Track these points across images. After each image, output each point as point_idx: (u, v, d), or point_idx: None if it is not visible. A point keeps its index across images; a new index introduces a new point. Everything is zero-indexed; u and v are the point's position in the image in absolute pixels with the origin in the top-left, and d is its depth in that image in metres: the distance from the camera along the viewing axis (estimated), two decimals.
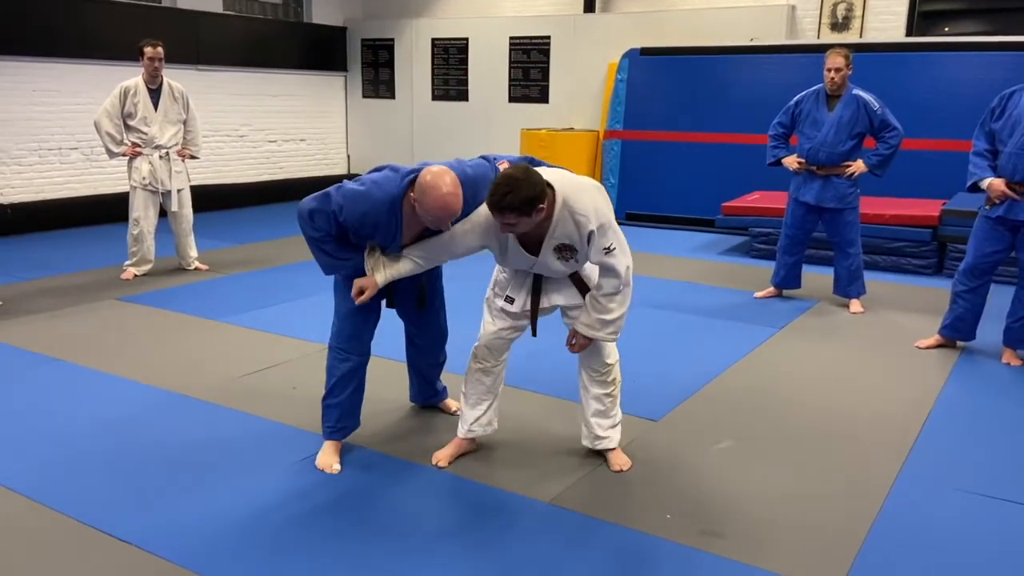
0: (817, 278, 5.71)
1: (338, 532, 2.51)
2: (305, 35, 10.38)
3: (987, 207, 4.20)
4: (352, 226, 2.70)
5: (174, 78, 5.90)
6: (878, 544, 2.48)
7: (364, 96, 10.96)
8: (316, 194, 2.75)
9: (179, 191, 5.81)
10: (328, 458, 2.94)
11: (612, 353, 2.94)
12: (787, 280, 5.45)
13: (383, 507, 2.67)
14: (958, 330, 4.39)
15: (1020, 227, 4.09)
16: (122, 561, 2.35)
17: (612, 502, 2.73)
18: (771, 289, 5.53)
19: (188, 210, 5.91)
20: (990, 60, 6.86)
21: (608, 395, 2.95)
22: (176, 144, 5.78)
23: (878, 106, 4.96)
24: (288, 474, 2.89)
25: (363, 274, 2.82)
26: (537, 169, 2.61)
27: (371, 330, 3.00)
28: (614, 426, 2.98)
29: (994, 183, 4.10)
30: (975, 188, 4.25)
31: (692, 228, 8.19)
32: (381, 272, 2.78)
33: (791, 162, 5.21)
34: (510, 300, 2.87)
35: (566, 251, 2.65)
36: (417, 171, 2.65)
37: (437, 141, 10.42)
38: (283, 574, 2.30)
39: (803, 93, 5.24)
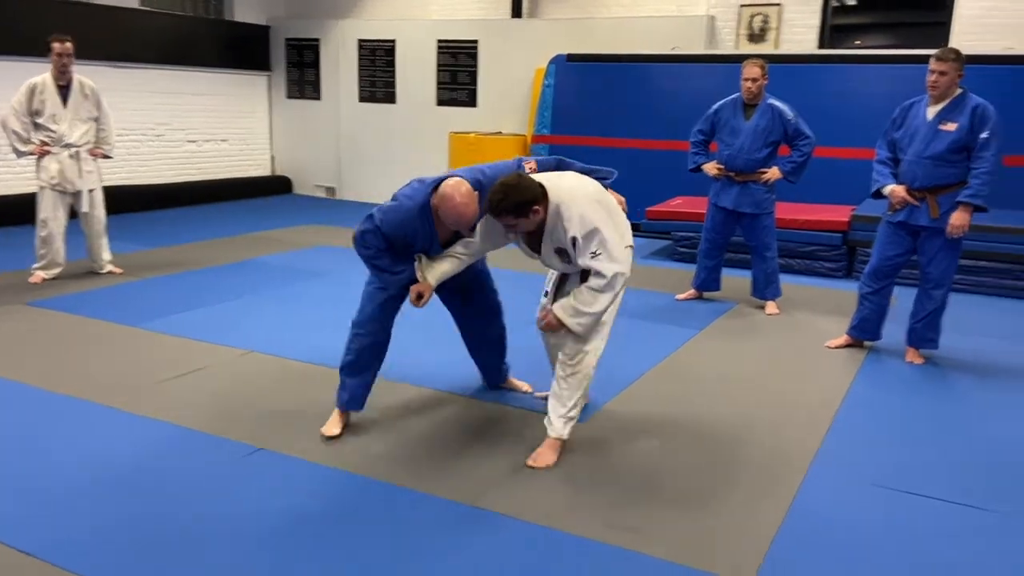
0: (735, 281, 5.89)
1: (265, 538, 2.47)
2: (226, 33, 10.14)
3: (889, 212, 4.42)
4: (395, 237, 3.00)
5: (88, 75, 5.68)
6: (789, 537, 2.58)
7: (289, 96, 10.77)
8: (363, 219, 3.04)
9: (90, 191, 5.59)
10: (331, 426, 3.20)
11: (590, 343, 3.04)
12: (707, 283, 5.61)
13: (287, 508, 2.64)
14: (864, 330, 4.60)
15: (920, 231, 4.31)
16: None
17: (535, 503, 2.75)
18: (692, 291, 5.68)
19: (100, 211, 5.69)
20: (895, 73, 7.20)
21: (567, 380, 3.01)
22: (87, 143, 5.57)
23: (792, 115, 5.15)
24: (209, 482, 2.82)
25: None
26: (544, 175, 2.95)
27: (392, 313, 3.23)
28: (563, 417, 3.02)
29: (895, 190, 4.31)
30: (878, 195, 4.47)
31: None
32: (432, 273, 3.07)
33: (711, 168, 5.36)
34: (545, 293, 3.28)
35: (561, 252, 2.95)
36: (440, 180, 2.96)
37: (364, 143, 10.34)
38: None
39: (722, 102, 5.40)
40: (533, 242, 2.98)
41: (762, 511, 2.75)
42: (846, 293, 5.90)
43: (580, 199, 2.87)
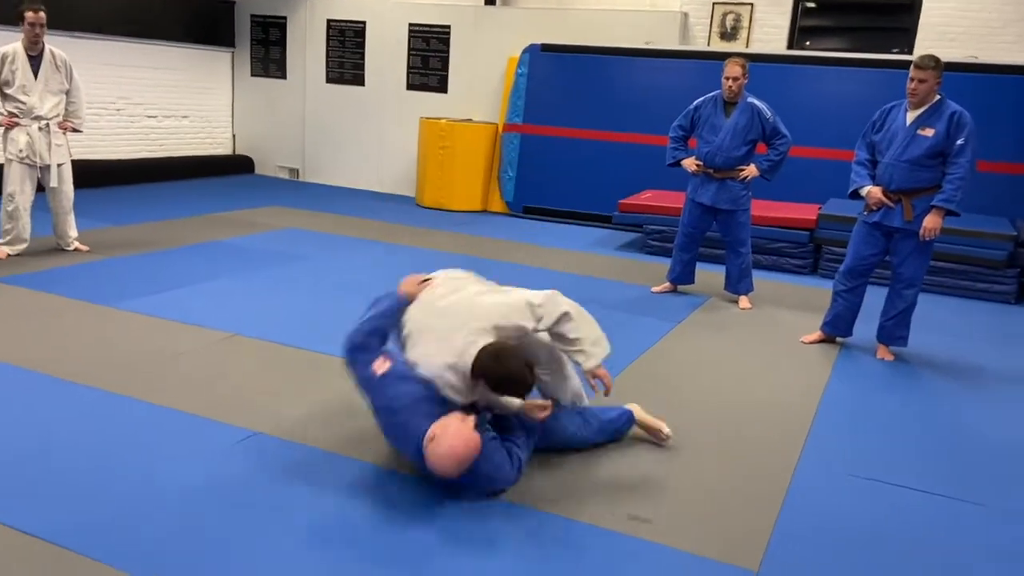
0: (707, 275, 6.02)
1: (258, 524, 2.46)
2: (188, 6, 9.84)
3: (865, 213, 4.57)
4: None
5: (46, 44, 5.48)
6: (788, 526, 2.68)
7: (253, 74, 10.54)
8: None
9: (59, 166, 5.42)
10: None
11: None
12: (682, 276, 5.72)
13: (302, 496, 2.64)
14: (837, 327, 4.76)
15: (894, 233, 4.47)
16: (24, 553, 2.21)
17: (538, 490, 2.80)
18: (667, 284, 5.78)
19: (69, 187, 5.52)
20: (862, 76, 7.42)
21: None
22: (57, 116, 5.39)
23: (770, 114, 5.28)
24: (193, 461, 2.79)
25: None
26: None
27: None
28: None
29: (872, 191, 4.46)
30: (855, 195, 4.62)
31: (588, 223, 8.41)
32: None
33: (690, 164, 5.45)
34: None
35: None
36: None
37: (331, 125, 10.19)
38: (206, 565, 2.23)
39: (702, 98, 5.49)
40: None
41: (759, 501, 2.84)
42: (813, 289, 6.09)
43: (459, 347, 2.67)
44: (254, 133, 10.71)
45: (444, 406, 2.64)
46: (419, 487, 2.75)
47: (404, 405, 2.64)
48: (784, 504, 2.83)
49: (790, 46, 8.29)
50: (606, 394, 2.98)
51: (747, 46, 8.25)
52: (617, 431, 3.21)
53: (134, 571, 2.19)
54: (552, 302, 2.83)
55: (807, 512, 2.79)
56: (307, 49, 10.17)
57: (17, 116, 5.22)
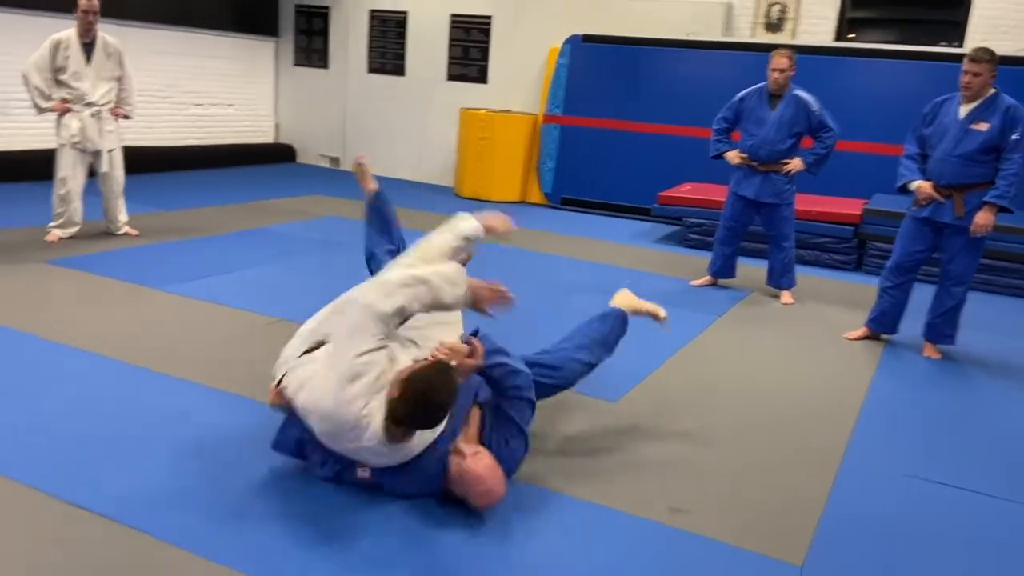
0: (748, 269, 5.96)
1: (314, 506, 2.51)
2: None
3: (914, 208, 4.48)
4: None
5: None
6: (833, 522, 2.66)
7: (296, 64, 10.66)
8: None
9: (110, 151, 5.54)
10: None
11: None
12: (723, 270, 5.67)
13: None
14: (883, 323, 4.68)
15: (943, 228, 4.38)
16: (88, 530, 2.28)
17: (582, 478, 2.81)
18: (707, 278, 5.73)
19: (119, 172, 5.64)
20: (911, 69, 7.27)
21: None
22: (109, 102, 5.50)
23: (817, 107, 5.20)
24: (241, 441, 2.84)
25: None
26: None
27: None
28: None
29: (922, 186, 4.37)
30: (904, 190, 4.53)
31: (627, 216, 8.37)
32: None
33: (733, 157, 5.40)
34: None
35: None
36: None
37: (371, 115, 10.26)
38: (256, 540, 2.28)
39: (747, 90, 5.42)
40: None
41: (803, 497, 2.82)
42: (857, 286, 6.00)
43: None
44: (296, 122, 10.83)
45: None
46: None
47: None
48: (829, 500, 2.80)
49: (837, 38, 8.14)
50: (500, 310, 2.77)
51: (793, 38, 8.12)
52: (618, 336, 3.24)
53: (189, 547, 2.25)
54: (381, 303, 2.41)
55: (852, 508, 2.76)
56: (349, 39, 10.24)
57: (70, 102, 5.34)
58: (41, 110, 5.32)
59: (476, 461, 2.46)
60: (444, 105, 9.67)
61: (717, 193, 6.86)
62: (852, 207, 6.70)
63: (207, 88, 9.77)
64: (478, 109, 9.08)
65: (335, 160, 10.69)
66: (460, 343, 2.57)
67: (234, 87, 10.16)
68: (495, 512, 2.53)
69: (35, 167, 7.16)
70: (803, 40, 8.03)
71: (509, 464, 2.61)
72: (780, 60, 5.17)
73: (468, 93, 9.56)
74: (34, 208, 6.06)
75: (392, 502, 2.54)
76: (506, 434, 2.63)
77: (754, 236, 6.04)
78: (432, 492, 2.56)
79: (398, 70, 10.03)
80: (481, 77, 9.57)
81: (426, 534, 2.41)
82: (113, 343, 3.71)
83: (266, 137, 10.80)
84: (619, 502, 2.67)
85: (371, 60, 10.17)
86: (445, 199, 8.90)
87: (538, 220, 7.95)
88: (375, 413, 2.32)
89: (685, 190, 7.40)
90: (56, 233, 5.49)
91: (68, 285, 4.59)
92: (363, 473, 2.52)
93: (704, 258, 6.07)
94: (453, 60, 9.69)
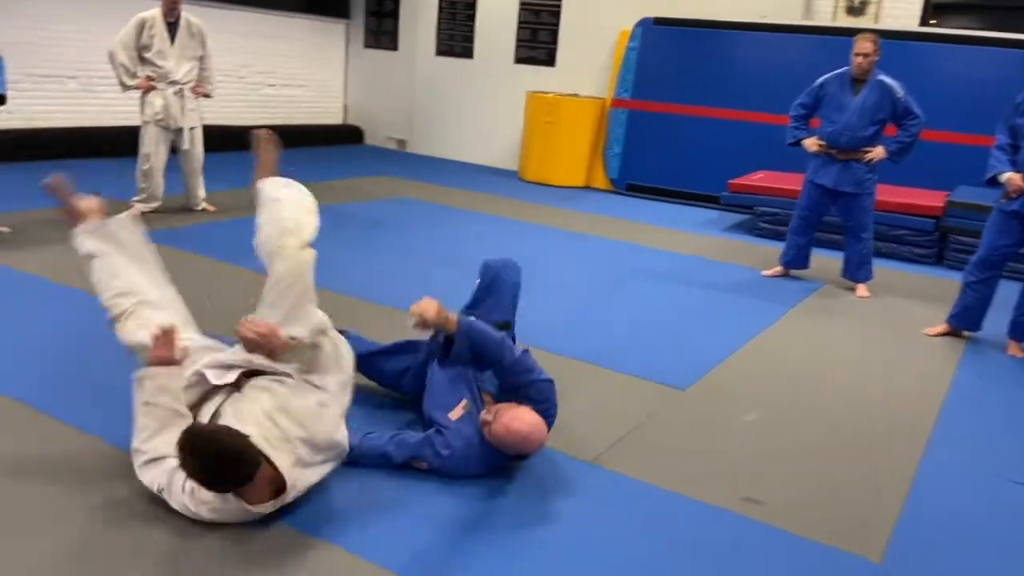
0: (821, 260, 5.81)
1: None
2: None
3: (1003, 201, 4.30)
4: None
5: None
6: (913, 518, 2.58)
7: (365, 46, 10.76)
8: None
9: (191, 129, 5.70)
10: None
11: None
12: (796, 260, 5.54)
13: None
14: (965, 320, 4.51)
15: None
16: None
17: (651, 464, 2.79)
18: (779, 268, 5.61)
19: (199, 149, 5.80)
20: (1000, 57, 6.95)
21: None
22: (191, 81, 5.66)
23: (902, 93, 5.01)
24: None
25: None
26: None
27: None
28: None
29: (1013, 177, 4.18)
30: (993, 182, 4.34)
31: (694, 203, 8.24)
32: None
33: (811, 144, 5.25)
34: None
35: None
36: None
37: (439, 97, 10.31)
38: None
39: (828, 76, 5.26)
40: None
41: (881, 494, 2.74)
42: (937, 280, 5.80)
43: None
44: (365, 104, 10.95)
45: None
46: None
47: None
48: (909, 496, 2.72)
49: (922, 23, 7.83)
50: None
51: (876, 22, 7.84)
52: None
53: None
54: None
55: (933, 506, 2.68)
56: (419, 21, 10.29)
57: (154, 80, 5.50)
58: (126, 87, 5.49)
59: (498, 422, 2.45)
60: (511, 88, 9.65)
61: (791, 182, 6.70)
62: (934, 199, 6.46)
63: (280, 69, 9.94)
64: (545, 92, 9.04)
65: (402, 142, 10.78)
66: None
67: (305, 68, 10.32)
68: (563, 497, 2.53)
69: (119, 143, 7.40)
70: (886, 25, 7.74)
71: (543, 406, 2.57)
72: (864, 44, 5.00)
73: (535, 76, 9.52)
74: (118, 183, 6.26)
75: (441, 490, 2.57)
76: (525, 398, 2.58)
77: (828, 226, 5.88)
78: (492, 468, 2.58)
79: (466, 53, 10.04)
80: (549, 60, 9.51)
81: (483, 518, 2.43)
82: (193, 314, 3.81)
83: (335, 118, 10.95)
84: (689, 489, 2.64)
85: (440, 43, 10.20)
86: (509, 182, 8.90)
87: (602, 206, 7.89)
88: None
89: (757, 178, 7.25)
90: (139, 207, 5.67)
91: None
92: (421, 464, 2.55)
93: (775, 248, 5.94)
94: (521, 43, 9.65)
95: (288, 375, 2.38)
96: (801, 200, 5.46)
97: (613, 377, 3.55)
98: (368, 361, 3.00)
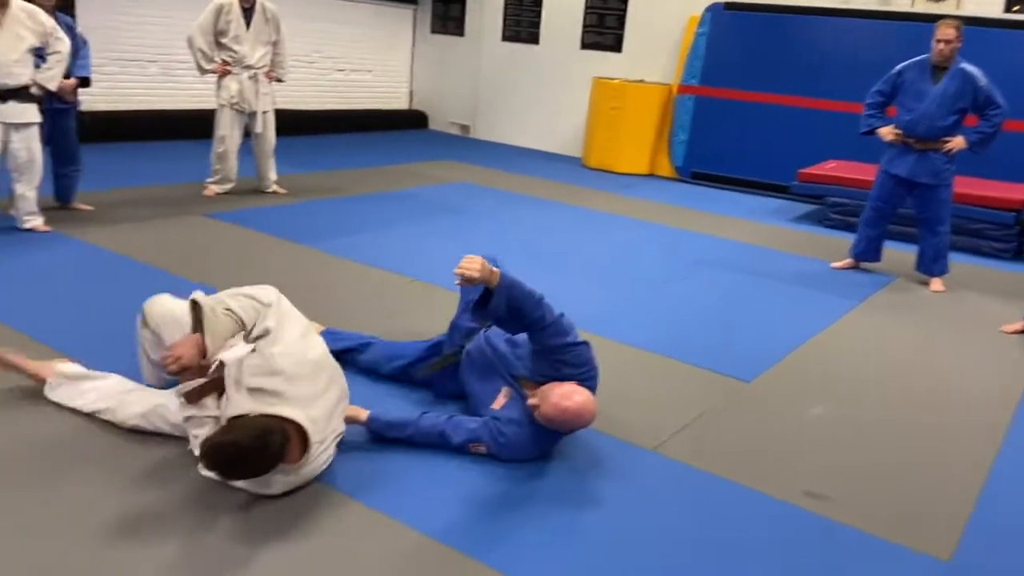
0: (893, 253, 5.65)
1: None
2: None
3: None
4: None
5: None
6: (984, 519, 2.52)
7: (432, 31, 10.83)
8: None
9: (264, 113, 5.84)
10: None
11: None
12: (867, 252, 5.40)
13: None
14: None
15: None
16: None
17: (713, 455, 2.78)
18: (848, 260, 5.48)
19: (271, 132, 5.95)
20: None
21: None
22: (264, 66, 5.80)
23: (985, 82, 4.83)
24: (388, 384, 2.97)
25: None
26: None
27: None
28: None
29: None
30: None
31: (761, 192, 8.09)
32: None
33: (887, 133, 5.10)
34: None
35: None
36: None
37: (503, 83, 10.32)
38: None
39: (907, 63, 5.10)
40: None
41: (950, 493, 2.68)
42: (1017, 276, 5.61)
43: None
44: (430, 89, 11.04)
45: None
46: (587, 436, 2.79)
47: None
48: (980, 497, 2.65)
49: (1007, 9, 7.49)
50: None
51: (957, 8, 7.53)
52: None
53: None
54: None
55: (1005, 506, 2.61)
56: (485, 7, 10.30)
57: (230, 65, 5.66)
58: (203, 71, 5.66)
59: (547, 403, 2.45)
60: (576, 74, 9.60)
61: (863, 172, 6.53)
62: (1015, 192, 6.21)
63: (348, 54, 10.09)
64: (611, 78, 8.96)
65: (465, 128, 10.84)
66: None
67: (373, 53, 10.45)
68: (619, 482, 2.55)
69: (195, 126, 7.64)
70: (969, 11, 7.44)
71: (582, 371, 2.55)
72: (947, 31, 4.83)
73: (602, 62, 9.45)
74: (193, 165, 6.48)
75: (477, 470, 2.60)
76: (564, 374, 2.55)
77: (901, 219, 5.71)
78: (547, 450, 2.63)
79: (532, 38, 10.03)
80: (616, 46, 9.42)
81: (532, 498, 2.46)
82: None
83: (400, 103, 11.08)
84: (751, 480, 2.62)
85: (506, 28, 10.20)
86: (572, 168, 8.88)
87: (666, 193, 7.81)
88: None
89: (829, 167, 7.07)
90: (213, 188, 5.87)
91: (222, 237, 4.90)
92: (479, 448, 2.59)
93: (845, 239, 5.81)
94: (588, 28, 9.58)
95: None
96: (875, 191, 5.31)
97: (676, 367, 3.53)
98: (405, 373, 3.05)
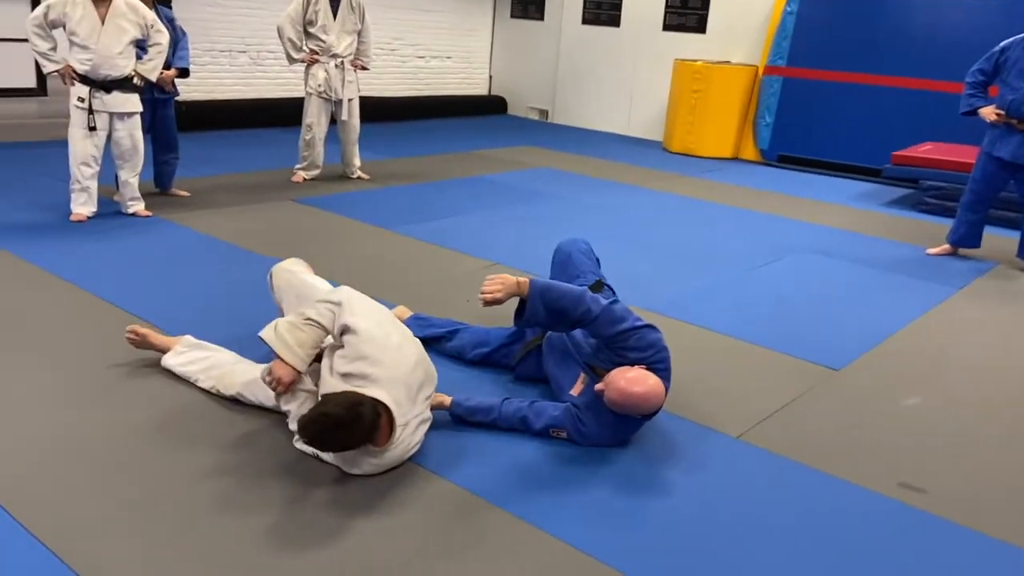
0: (994, 239, 5.39)
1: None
2: None
3: None
4: None
5: None
6: None
7: (512, 16, 10.83)
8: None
9: (350, 100, 5.98)
10: None
11: None
12: (966, 238, 5.17)
13: None
14: None
15: None
16: None
17: (801, 443, 2.73)
18: (946, 246, 5.25)
19: (356, 120, 6.08)
20: None
21: None
22: (350, 54, 5.92)
23: None
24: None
25: None
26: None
27: None
28: None
29: None
30: None
31: (851, 176, 7.82)
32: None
33: (989, 113, 4.86)
34: None
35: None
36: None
37: (583, 67, 10.25)
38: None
39: (1011, 40, 4.84)
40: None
41: None
42: None
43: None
44: (509, 74, 11.06)
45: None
46: (670, 423, 2.78)
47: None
48: None
49: None
50: None
51: None
52: None
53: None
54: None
55: None
56: None
57: (317, 53, 5.80)
58: (293, 60, 5.83)
59: (611, 388, 2.43)
60: (658, 56, 9.45)
61: (962, 154, 6.24)
62: None
63: (428, 41, 10.20)
64: (694, 60, 8.79)
65: (544, 113, 10.82)
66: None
67: (453, 40, 10.52)
68: (710, 474, 2.53)
69: (283, 114, 7.88)
70: None
71: (649, 354, 2.50)
72: None
73: (684, 44, 9.27)
74: (282, 152, 6.69)
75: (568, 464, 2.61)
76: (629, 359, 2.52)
77: (1002, 202, 5.44)
78: (625, 436, 2.63)
79: (613, 20, 9.91)
80: (699, 27, 9.23)
81: (612, 483, 2.46)
82: (350, 276, 4.04)
83: (480, 89, 11.13)
84: (842, 471, 2.56)
85: (586, 11, 10.12)
86: (653, 153, 8.76)
87: (752, 178, 7.63)
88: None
89: (924, 150, 6.77)
90: (301, 175, 6.04)
91: (311, 221, 5.05)
92: (560, 433, 2.61)
93: (942, 225, 5.57)
94: (670, 9, 9.42)
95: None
96: (975, 173, 5.07)
97: (763, 354, 3.47)
98: (490, 359, 3.11)
